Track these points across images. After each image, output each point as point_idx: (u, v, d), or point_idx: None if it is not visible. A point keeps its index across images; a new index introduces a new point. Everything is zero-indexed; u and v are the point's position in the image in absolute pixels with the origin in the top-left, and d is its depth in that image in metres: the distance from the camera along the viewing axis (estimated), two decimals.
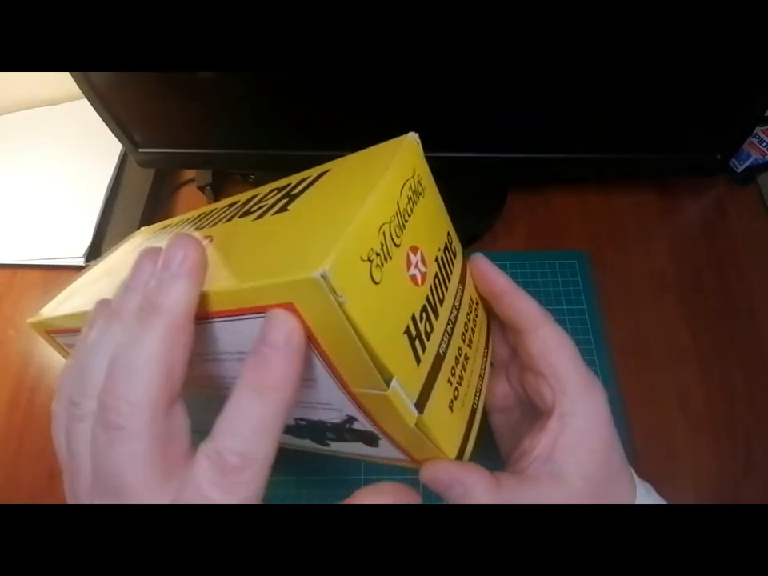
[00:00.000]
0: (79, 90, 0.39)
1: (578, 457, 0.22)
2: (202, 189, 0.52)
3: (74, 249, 0.48)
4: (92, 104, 0.40)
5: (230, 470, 0.16)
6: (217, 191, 0.53)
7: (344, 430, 0.21)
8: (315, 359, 0.18)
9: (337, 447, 0.23)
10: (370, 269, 0.17)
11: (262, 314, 0.17)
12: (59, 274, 0.48)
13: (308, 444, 0.24)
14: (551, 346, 0.24)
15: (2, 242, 0.50)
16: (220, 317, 0.18)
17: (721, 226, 0.48)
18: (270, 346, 0.16)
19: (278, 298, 0.16)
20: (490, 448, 0.31)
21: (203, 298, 0.18)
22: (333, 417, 0.21)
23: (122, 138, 0.44)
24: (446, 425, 0.21)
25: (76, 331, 0.22)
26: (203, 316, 0.19)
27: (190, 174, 0.55)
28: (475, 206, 0.48)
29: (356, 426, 0.20)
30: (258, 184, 0.52)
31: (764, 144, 0.46)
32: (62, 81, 0.52)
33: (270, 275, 0.16)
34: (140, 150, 0.45)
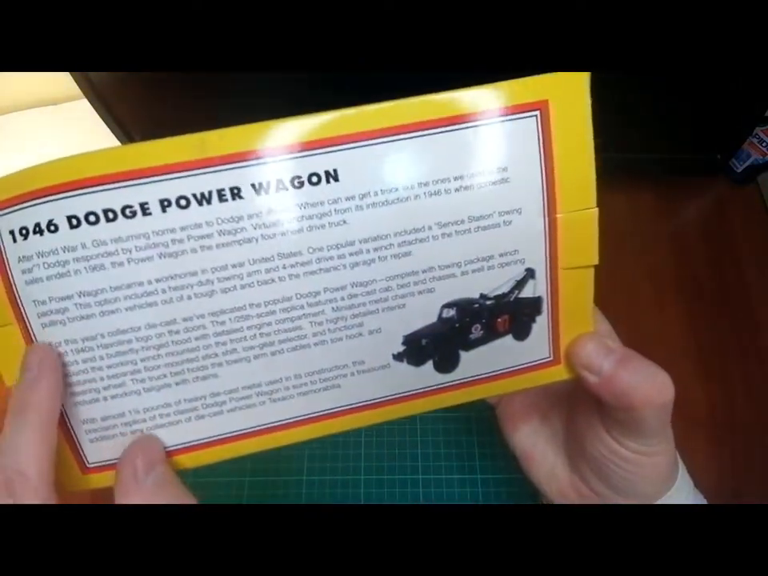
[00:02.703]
0: (79, 90, 0.39)
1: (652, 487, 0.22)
2: None
3: None
4: (92, 104, 0.40)
5: (13, 485, 0.16)
6: None
7: (503, 308, 0.20)
8: (533, 179, 0.18)
9: (468, 364, 0.21)
10: None
11: (473, 123, 0.17)
12: None
13: (422, 378, 0.20)
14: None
15: None
16: (413, 131, 0.17)
17: (721, 225, 0.48)
18: (25, 370, 0.17)
19: (531, 96, 0.17)
20: (496, 446, 0.31)
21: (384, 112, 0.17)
22: (506, 277, 0.19)
23: (122, 138, 0.44)
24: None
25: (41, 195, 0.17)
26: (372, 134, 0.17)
27: None
28: None
29: (525, 291, 0.19)
30: None
31: (764, 144, 0.46)
32: (62, 81, 0.52)
33: (525, 79, 0.17)
34: None
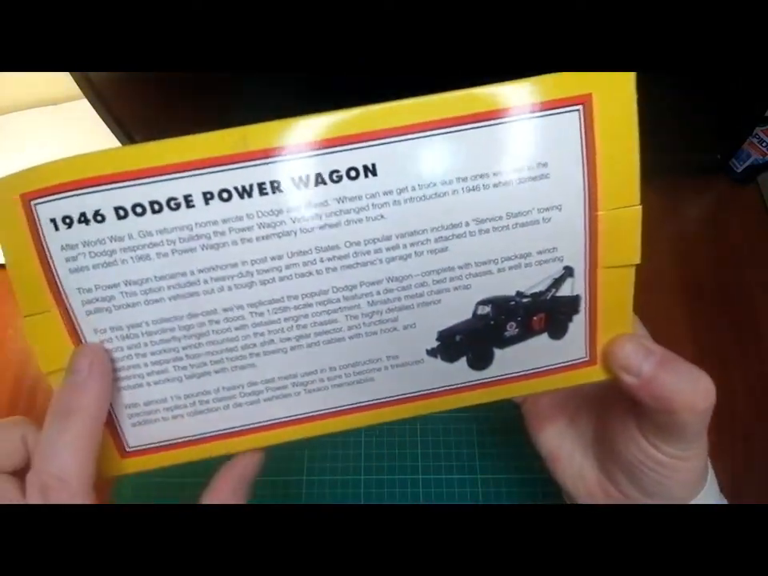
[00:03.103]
0: (79, 90, 0.39)
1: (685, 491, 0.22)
2: None
3: None
4: (92, 104, 0.40)
5: (50, 492, 0.16)
6: None
7: (540, 306, 0.19)
8: (574, 175, 0.17)
9: (501, 361, 0.20)
10: None
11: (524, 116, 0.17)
12: None
13: (455, 375, 0.20)
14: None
15: None
16: (453, 125, 0.17)
17: (721, 225, 0.48)
18: (73, 372, 0.17)
19: (574, 90, 0.17)
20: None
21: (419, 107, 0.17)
22: (543, 275, 0.19)
23: (122, 138, 0.44)
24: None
25: (99, 182, 0.17)
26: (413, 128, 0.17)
27: None
28: None
29: (563, 289, 0.19)
30: None
31: (764, 144, 0.46)
32: (62, 81, 0.52)
33: (568, 73, 0.17)
34: None
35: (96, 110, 0.41)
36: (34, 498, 0.16)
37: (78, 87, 0.38)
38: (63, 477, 0.16)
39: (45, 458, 0.17)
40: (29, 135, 0.57)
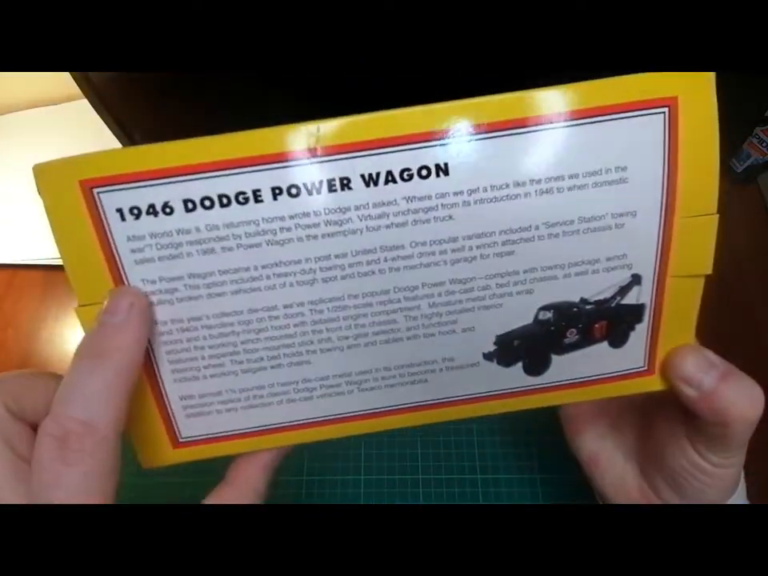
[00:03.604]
0: (79, 90, 0.39)
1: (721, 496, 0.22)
2: None
3: None
4: (92, 104, 0.40)
5: (71, 439, 0.15)
6: None
7: (603, 314, 0.19)
8: (654, 180, 0.17)
9: (558, 368, 0.20)
10: None
11: (618, 115, 0.16)
12: (59, 274, 0.48)
13: (510, 379, 0.20)
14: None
15: (2, 241, 0.50)
16: (530, 125, 0.16)
17: (721, 225, 0.48)
18: (110, 313, 0.16)
19: (660, 91, 0.16)
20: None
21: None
22: (610, 282, 0.19)
23: (122, 138, 0.44)
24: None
25: (178, 173, 0.16)
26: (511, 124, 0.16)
27: None
28: None
29: (629, 297, 0.19)
30: None
31: (764, 144, 0.46)
32: (62, 81, 0.52)
33: (654, 74, 0.16)
34: None
35: (96, 110, 0.41)
36: (45, 448, 0.15)
37: (77, 87, 0.38)
38: (90, 421, 0.15)
39: (68, 402, 0.15)
40: (29, 135, 0.57)
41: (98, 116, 0.41)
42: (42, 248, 0.48)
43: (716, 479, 0.21)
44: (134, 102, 0.41)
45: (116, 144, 0.44)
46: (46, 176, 0.16)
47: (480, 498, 0.35)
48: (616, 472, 0.24)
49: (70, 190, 0.16)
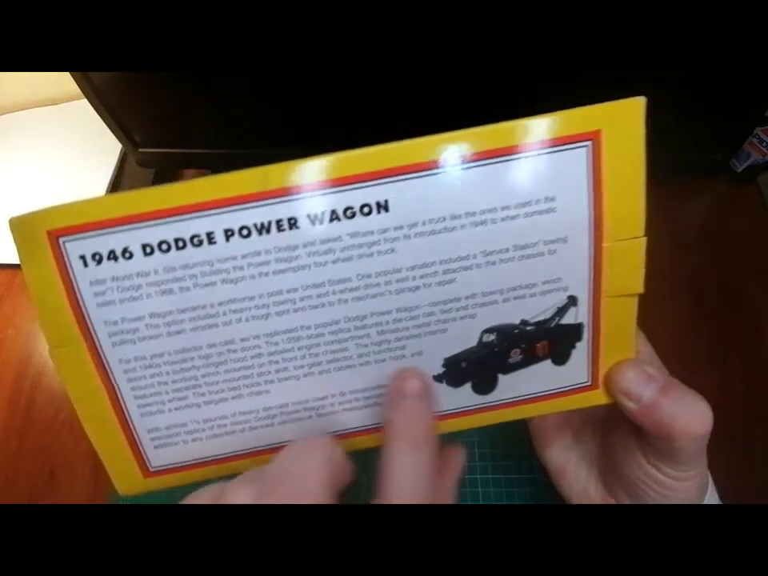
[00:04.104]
0: (79, 90, 0.39)
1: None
2: None
3: None
4: (92, 104, 0.40)
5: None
6: None
7: (543, 334, 0.20)
8: (581, 208, 0.18)
9: (506, 386, 0.21)
10: None
11: (542, 150, 0.17)
12: None
13: (460, 399, 0.21)
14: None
15: (2, 242, 0.49)
16: (462, 162, 0.17)
17: (721, 225, 0.48)
18: (413, 397, 0.18)
19: (584, 126, 0.17)
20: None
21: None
22: (548, 304, 0.20)
23: (122, 138, 0.44)
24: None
25: (139, 219, 0.17)
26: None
27: (189, 174, 0.55)
28: None
29: (567, 317, 0.20)
30: None
31: (764, 144, 0.46)
32: (62, 81, 0.52)
33: (578, 109, 0.17)
34: (140, 149, 0.45)
35: (96, 110, 0.41)
36: None
37: (78, 87, 0.38)
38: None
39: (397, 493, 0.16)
40: (29, 135, 0.57)
41: (98, 116, 0.41)
42: None
43: (675, 491, 0.21)
44: (134, 102, 0.41)
45: (115, 143, 0.44)
46: (19, 227, 0.18)
47: (480, 498, 0.35)
48: (581, 483, 0.25)
49: (39, 239, 0.17)
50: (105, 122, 0.42)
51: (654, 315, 0.44)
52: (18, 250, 0.18)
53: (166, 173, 0.55)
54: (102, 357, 0.19)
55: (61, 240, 0.18)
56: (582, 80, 0.36)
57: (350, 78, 0.36)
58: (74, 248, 0.18)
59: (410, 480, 0.17)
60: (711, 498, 0.23)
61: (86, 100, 0.40)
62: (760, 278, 0.45)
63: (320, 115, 0.39)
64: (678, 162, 0.43)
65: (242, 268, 0.18)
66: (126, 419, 0.20)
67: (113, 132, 0.43)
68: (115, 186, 0.53)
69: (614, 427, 0.23)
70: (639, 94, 0.18)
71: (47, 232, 0.17)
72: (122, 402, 0.19)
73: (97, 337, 0.19)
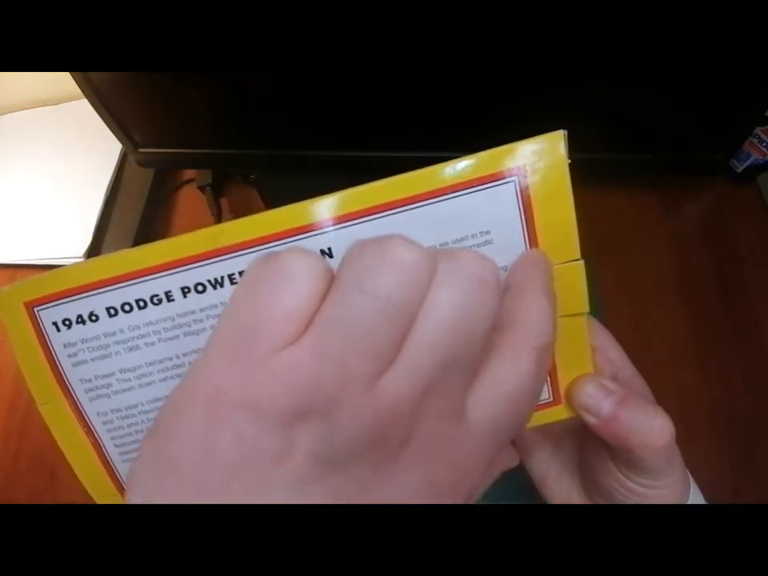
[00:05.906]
0: (79, 90, 0.39)
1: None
2: (202, 189, 0.52)
3: (74, 249, 0.48)
4: (92, 104, 0.40)
5: None
6: (217, 191, 0.53)
7: None
8: (517, 239, 0.19)
9: None
10: None
11: (475, 188, 0.18)
12: None
13: None
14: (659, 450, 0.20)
15: (2, 241, 0.50)
16: (396, 207, 0.18)
17: (721, 225, 0.48)
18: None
19: (509, 163, 0.18)
20: None
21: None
22: None
23: (122, 138, 0.44)
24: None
25: (102, 285, 0.19)
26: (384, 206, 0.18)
27: (190, 174, 0.55)
28: None
29: None
30: (258, 184, 0.52)
31: (764, 144, 0.46)
32: (62, 81, 0.52)
33: (502, 147, 0.18)
34: (140, 149, 0.45)
35: (96, 110, 0.41)
36: None
37: (78, 87, 0.38)
38: None
39: None
40: (29, 135, 0.57)
41: (98, 116, 0.41)
42: (42, 248, 0.48)
43: (651, 499, 0.21)
44: (134, 102, 0.41)
45: (114, 143, 0.44)
46: (2, 301, 0.20)
47: (480, 498, 0.35)
48: (563, 492, 0.25)
49: (19, 309, 0.19)
50: (105, 121, 0.42)
51: (654, 315, 0.44)
52: (3, 320, 0.20)
53: (166, 173, 0.55)
54: (82, 411, 0.20)
55: (36, 309, 0.19)
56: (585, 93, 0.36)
57: (349, 77, 0.36)
58: (47, 315, 0.19)
59: (549, 321, 0.16)
60: (694, 501, 0.23)
61: (85, 100, 0.40)
62: (760, 277, 0.45)
63: (319, 115, 0.39)
64: (678, 162, 0.43)
65: (201, 320, 0.19)
66: (111, 465, 0.21)
67: (113, 132, 0.43)
68: (115, 185, 0.53)
69: (588, 437, 0.23)
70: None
71: (24, 303, 0.19)
72: (104, 450, 0.21)
73: (75, 393, 0.20)
